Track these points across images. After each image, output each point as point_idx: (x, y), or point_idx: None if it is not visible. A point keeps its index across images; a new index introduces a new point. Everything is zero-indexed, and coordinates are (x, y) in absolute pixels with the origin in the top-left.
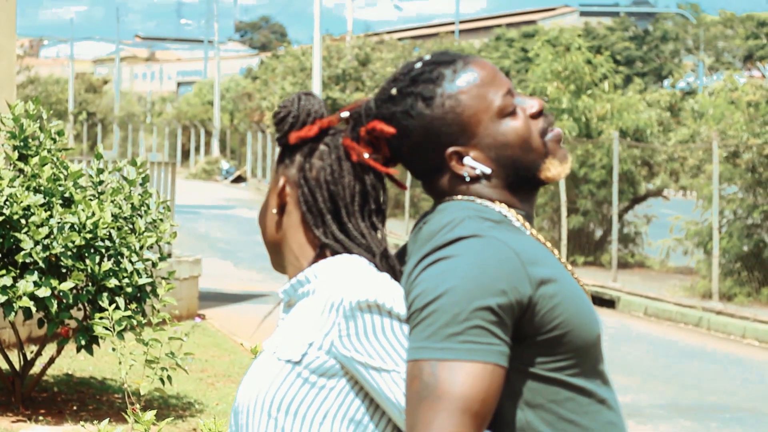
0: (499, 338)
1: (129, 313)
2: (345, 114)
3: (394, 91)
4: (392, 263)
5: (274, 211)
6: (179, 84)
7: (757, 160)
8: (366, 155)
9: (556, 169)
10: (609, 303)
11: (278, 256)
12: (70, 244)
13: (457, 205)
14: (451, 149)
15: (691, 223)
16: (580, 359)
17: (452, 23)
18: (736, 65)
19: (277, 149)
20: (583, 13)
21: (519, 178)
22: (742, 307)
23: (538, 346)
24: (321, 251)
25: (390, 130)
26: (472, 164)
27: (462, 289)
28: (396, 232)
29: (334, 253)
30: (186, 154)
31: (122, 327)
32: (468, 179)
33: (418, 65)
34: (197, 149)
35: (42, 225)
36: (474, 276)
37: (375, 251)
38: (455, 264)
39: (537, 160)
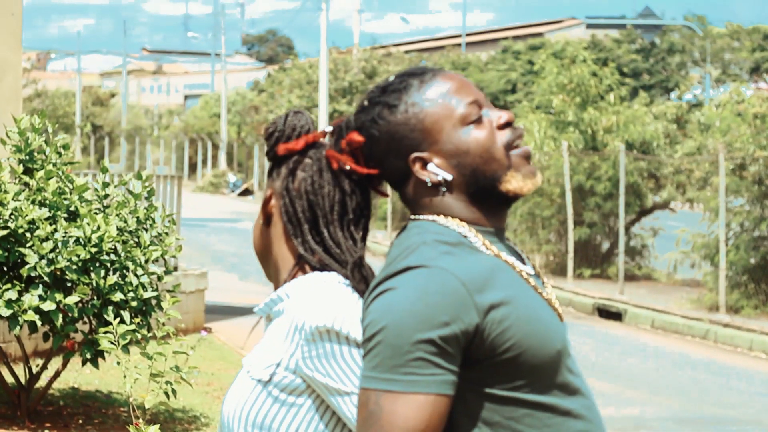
0: (442, 368)
1: (133, 327)
2: (329, 129)
3: (366, 102)
4: (365, 274)
5: (261, 222)
6: (186, 97)
7: (763, 173)
8: (347, 166)
9: (517, 183)
10: (616, 316)
11: (267, 267)
12: (74, 258)
13: (418, 227)
14: (414, 155)
15: (698, 235)
16: (536, 376)
17: (459, 36)
18: (743, 77)
19: None
20: (589, 26)
21: (480, 188)
22: (749, 319)
23: (492, 367)
24: (299, 263)
25: (359, 138)
26: (434, 170)
27: (404, 322)
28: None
29: (312, 267)
30: (193, 168)
31: (126, 341)
32: (429, 184)
33: (392, 78)
34: (204, 162)
35: (47, 239)
36: (416, 309)
37: (348, 261)
38: (399, 296)
39: (498, 171)
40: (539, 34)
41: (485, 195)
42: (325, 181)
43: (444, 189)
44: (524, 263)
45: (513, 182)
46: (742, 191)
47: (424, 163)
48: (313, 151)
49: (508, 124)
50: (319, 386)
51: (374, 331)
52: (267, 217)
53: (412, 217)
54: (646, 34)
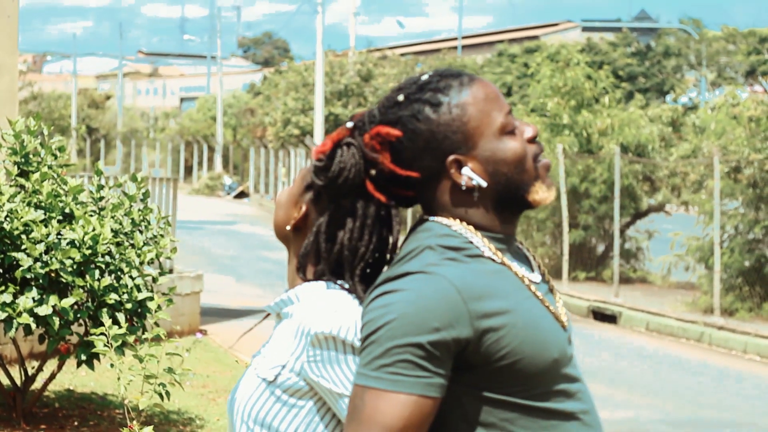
0: (429, 371)
1: (123, 330)
2: (350, 124)
3: (401, 97)
4: None
5: (288, 228)
6: (182, 99)
7: (758, 176)
8: (378, 161)
9: (543, 194)
10: (611, 318)
11: (284, 244)
12: (68, 261)
13: (428, 229)
14: (452, 156)
15: (693, 238)
16: (532, 383)
17: (455, 39)
18: (739, 80)
19: (280, 165)
20: (585, 29)
21: (507, 196)
22: (744, 322)
23: (489, 373)
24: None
25: (396, 132)
26: (470, 174)
27: (397, 324)
28: None
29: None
30: (189, 170)
31: (119, 343)
32: (464, 188)
33: (425, 76)
34: (200, 165)
35: (41, 241)
36: (409, 313)
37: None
38: (397, 299)
39: (527, 182)
40: (535, 37)
41: (509, 203)
42: (366, 234)
43: (476, 194)
44: (533, 269)
45: (540, 193)
46: (736, 194)
47: (459, 166)
48: (361, 202)
49: (534, 138)
50: (323, 390)
51: (370, 331)
52: (296, 227)
53: (426, 217)
54: (641, 37)
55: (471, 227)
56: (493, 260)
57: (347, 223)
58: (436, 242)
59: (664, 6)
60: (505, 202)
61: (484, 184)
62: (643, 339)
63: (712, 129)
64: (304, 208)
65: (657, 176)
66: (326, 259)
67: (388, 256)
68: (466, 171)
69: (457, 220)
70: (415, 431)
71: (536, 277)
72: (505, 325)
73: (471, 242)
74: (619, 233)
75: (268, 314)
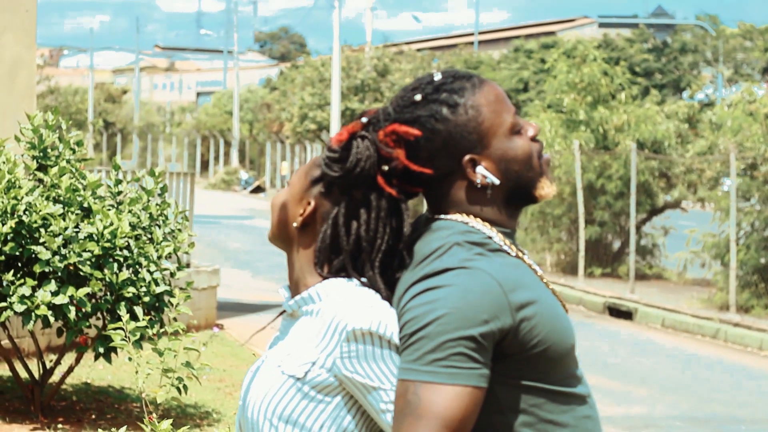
0: (480, 362)
1: (143, 323)
2: (364, 120)
3: (418, 97)
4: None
5: (295, 225)
6: (198, 94)
7: None
8: (394, 158)
9: (548, 189)
10: (626, 314)
11: (282, 247)
12: (86, 254)
13: (448, 227)
14: (468, 156)
15: (709, 235)
16: (556, 368)
17: (472, 34)
18: (755, 77)
19: (296, 160)
20: (602, 25)
21: (517, 193)
22: (760, 319)
23: (520, 361)
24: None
25: (415, 132)
26: (484, 173)
27: (448, 319)
28: None
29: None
30: (205, 165)
31: (137, 337)
32: (478, 186)
33: (438, 77)
34: (216, 159)
35: (59, 234)
36: (460, 307)
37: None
38: (443, 294)
39: (534, 178)
40: (551, 33)
41: (517, 198)
42: (380, 226)
43: (489, 192)
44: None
45: (545, 188)
46: (752, 191)
47: (474, 165)
48: (374, 195)
49: (536, 136)
50: (356, 385)
51: (417, 327)
52: (305, 224)
53: (438, 216)
54: (658, 33)
55: (486, 223)
56: (509, 254)
57: (362, 215)
58: (462, 239)
59: (680, 2)
60: (513, 198)
61: (497, 181)
62: (659, 335)
63: (729, 126)
64: (312, 203)
65: (673, 173)
66: (346, 251)
67: (402, 251)
68: (480, 170)
69: (471, 217)
70: (470, 421)
71: (539, 269)
72: (536, 314)
73: (490, 237)
74: (635, 229)
75: (283, 311)
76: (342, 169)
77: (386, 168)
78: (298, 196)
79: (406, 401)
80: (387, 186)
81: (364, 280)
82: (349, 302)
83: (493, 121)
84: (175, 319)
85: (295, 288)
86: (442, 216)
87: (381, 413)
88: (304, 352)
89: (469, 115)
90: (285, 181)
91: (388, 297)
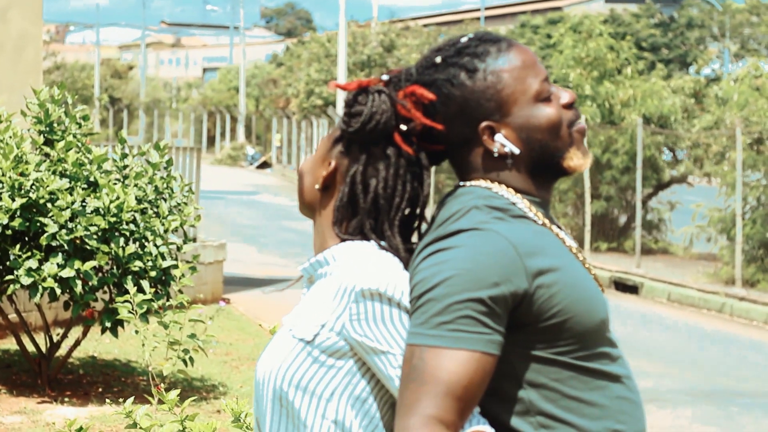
0: (490, 327)
1: (149, 296)
2: (385, 77)
3: (438, 59)
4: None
5: (317, 187)
6: (205, 70)
7: None
8: (404, 127)
9: (579, 160)
10: (632, 289)
11: (309, 215)
12: (93, 228)
13: (470, 192)
14: (485, 123)
15: (715, 209)
16: (582, 342)
17: (478, 10)
18: (762, 52)
19: (302, 136)
20: (608, 0)
21: (542, 163)
22: (765, 293)
23: (539, 332)
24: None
25: (430, 95)
26: (503, 141)
27: (456, 281)
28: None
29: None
30: (211, 140)
31: (143, 310)
32: (496, 155)
33: (464, 39)
34: (222, 135)
35: (66, 208)
36: (469, 268)
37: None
38: (452, 255)
39: (562, 148)
40: (558, 8)
41: (544, 169)
42: (399, 184)
43: (510, 161)
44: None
45: (575, 159)
46: (759, 165)
47: (492, 132)
48: (391, 150)
49: (571, 104)
50: (366, 348)
51: (425, 289)
52: (325, 185)
53: (463, 183)
54: (665, 8)
55: (511, 189)
56: (536, 222)
57: (380, 172)
58: (482, 203)
59: None
60: (540, 168)
61: (517, 150)
62: (665, 309)
63: (735, 101)
64: (333, 163)
65: (679, 147)
66: (364, 210)
67: (418, 210)
68: (498, 138)
69: (496, 183)
70: (477, 389)
71: (573, 243)
72: (557, 282)
73: (514, 204)
74: (641, 204)
75: (301, 277)
76: (359, 122)
77: (404, 128)
78: (320, 159)
79: (411, 366)
80: (404, 144)
81: (383, 243)
82: (361, 264)
83: (516, 87)
84: (180, 291)
85: (318, 253)
86: (466, 183)
87: (390, 380)
88: (315, 314)
89: (488, 81)
90: (279, 151)
91: (407, 259)
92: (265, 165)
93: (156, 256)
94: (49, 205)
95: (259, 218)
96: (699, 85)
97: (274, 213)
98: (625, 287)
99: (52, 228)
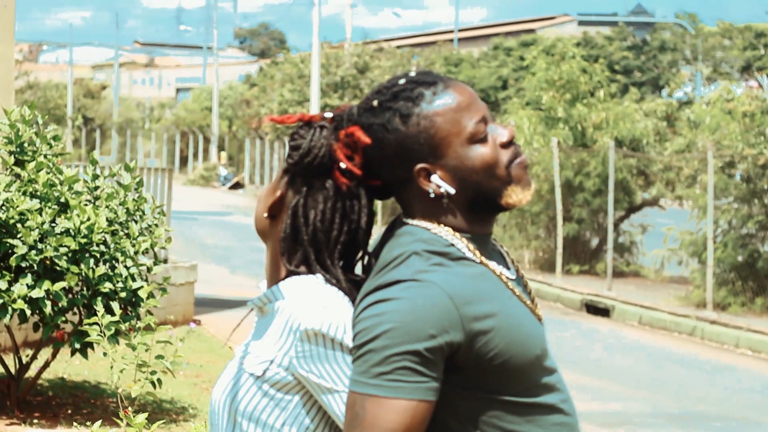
0: (426, 375)
1: (117, 318)
2: (328, 115)
3: (375, 102)
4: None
5: (265, 215)
6: (178, 90)
7: (752, 171)
8: (342, 165)
9: (518, 196)
10: (604, 312)
11: (264, 240)
12: (63, 249)
13: (410, 233)
14: (419, 166)
15: (686, 233)
16: (518, 379)
17: (451, 32)
18: (734, 76)
19: (275, 156)
20: (581, 23)
21: (479, 201)
22: (736, 316)
23: (478, 373)
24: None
25: (366, 140)
26: (438, 182)
27: (394, 333)
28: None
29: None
30: (184, 161)
31: (112, 332)
32: (432, 195)
33: (402, 81)
34: (195, 155)
35: (36, 229)
36: (406, 321)
37: (336, 283)
38: (391, 308)
39: (499, 187)
40: (531, 31)
41: (483, 206)
42: (337, 217)
43: (446, 201)
44: (508, 266)
45: (513, 196)
46: (730, 189)
47: (428, 174)
48: (331, 183)
49: (510, 142)
50: (312, 385)
51: (365, 339)
52: (272, 214)
53: (404, 219)
54: (637, 31)
55: (449, 229)
56: (475, 262)
57: (319, 204)
58: (422, 247)
59: (660, 1)
60: (478, 205)
61: (452, 191)
62: (636, 332)
63: (707, 124)
64: (279, 193)
65: (651, 170)
66: (306, 241)
67: (361, 242)
68: (434, 179)
69: (435, 224)
70: None
71: (512, 274)
72: (494, 328)
73: (453, 245)
74: (612, 227)
75: (252, 309)
76: (297, 155)
77: (343, 166)
78: (272, 188)
79: (354, 413)
80: (342, 177)
81: (328, 276)
82: (304, 301)
83: (449, 130)
84: (150, 313)
85: (270, 281)
86: (409, 221)
87: (337, 417)
88: (263, 350)
89: (421, 126)
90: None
91: (350, 290)
92: (237, 186)
93: (126, 277)
94: (18, 225)
95: (230, 239)
96: (671, 108)
97: (246, 234)
98: (597, 310)
99: (21, 249)
